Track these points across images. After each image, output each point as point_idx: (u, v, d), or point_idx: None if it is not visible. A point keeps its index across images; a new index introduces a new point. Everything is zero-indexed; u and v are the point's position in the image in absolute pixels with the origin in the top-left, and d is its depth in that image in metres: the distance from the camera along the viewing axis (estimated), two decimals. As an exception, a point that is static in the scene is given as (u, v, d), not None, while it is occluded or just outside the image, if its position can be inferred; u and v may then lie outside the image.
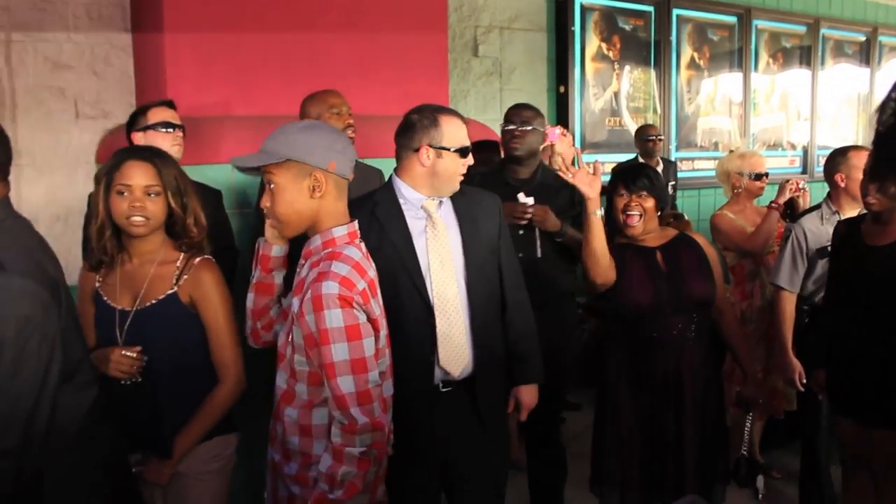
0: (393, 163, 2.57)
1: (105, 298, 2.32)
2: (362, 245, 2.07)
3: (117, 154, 2.31)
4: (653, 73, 6.45)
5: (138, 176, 2.24)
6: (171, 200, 2.27)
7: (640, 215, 2.88)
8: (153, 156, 2.30)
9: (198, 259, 2.31)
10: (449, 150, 2.46)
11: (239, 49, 3.69)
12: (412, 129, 2.48)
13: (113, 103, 3.99)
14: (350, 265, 1.94)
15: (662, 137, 5.97)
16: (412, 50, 4.21)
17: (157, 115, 3.07)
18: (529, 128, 3.38)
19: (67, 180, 3.91)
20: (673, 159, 6.40)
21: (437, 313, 2.46)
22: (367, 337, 1.93)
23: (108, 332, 2.30)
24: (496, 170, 3.48)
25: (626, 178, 2.91)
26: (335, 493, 1.89)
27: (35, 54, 3.86)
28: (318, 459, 1.95)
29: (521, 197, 3.23)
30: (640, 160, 5.48)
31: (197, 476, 2.32)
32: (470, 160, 2.55)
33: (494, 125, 4.30)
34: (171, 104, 3.14)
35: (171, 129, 3.05)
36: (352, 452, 1.88)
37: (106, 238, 2.27)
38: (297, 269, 2.07)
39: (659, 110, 6.49)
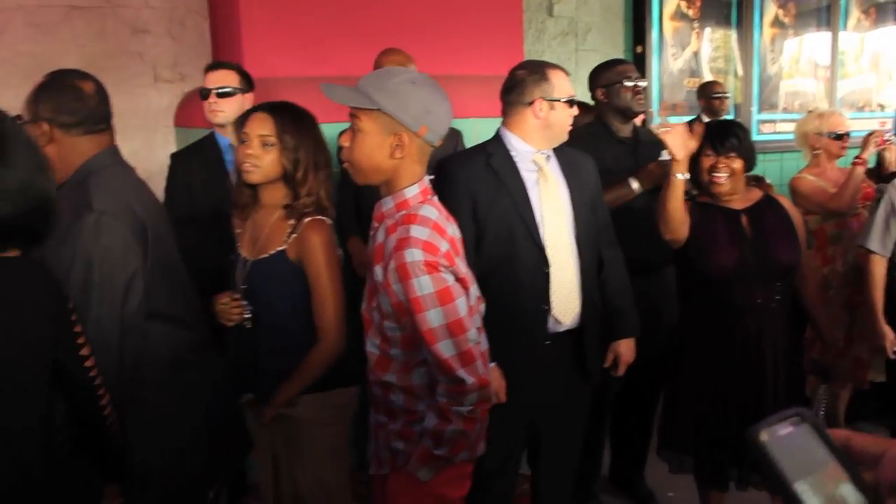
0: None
1: (238, 245, 2.42)
2: (435, 199, 2.01)
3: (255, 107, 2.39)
4: (734, 32, 6.23)
5: (255, 125, 2.30)
6: (282, 155, 2.29)
7: (728, 176, 2.77)
8: (281, 110, 2.33)
9: (308, 219, 2.30)
10: (560, 101, 2.53)
11: (313, 10, 3.68)
12: (523, 84, 2.54)
13: (190, 67, 4.03)
14: (429, 227, 1.88)
15: (728, 95, 5.69)
16: (486, 10, 4.14)
17: (206, 79, 3.15)
18: (645, 84, 3.33)
19: (146, 144, 3.98)
20: (740, 119, 6.17)
21: (551, 263, 2.52)
22: (459, 297, 1.88)
23: (233, 279, 2.41)
24: (599, 125, 3.35)
25: (714, 138, 2.78)
26: (441, 449, 1.90)
27: (115, 20, 3.91)
28: (422, 416, 1.96)
29: (665, 155, 3.15)
30: (705, 119, 5.29)
31: (309, 423, 2.37)
32: (576, 111, 2.60)
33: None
34: (221, 65, 3.19)
35: (211, 96, 3.10)
36: (459, 412, 1.87)
37: (240, 185, 2.36)
38: (371, 234, 2.04)
39: (740, 71, 6.27)
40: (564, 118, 2.56)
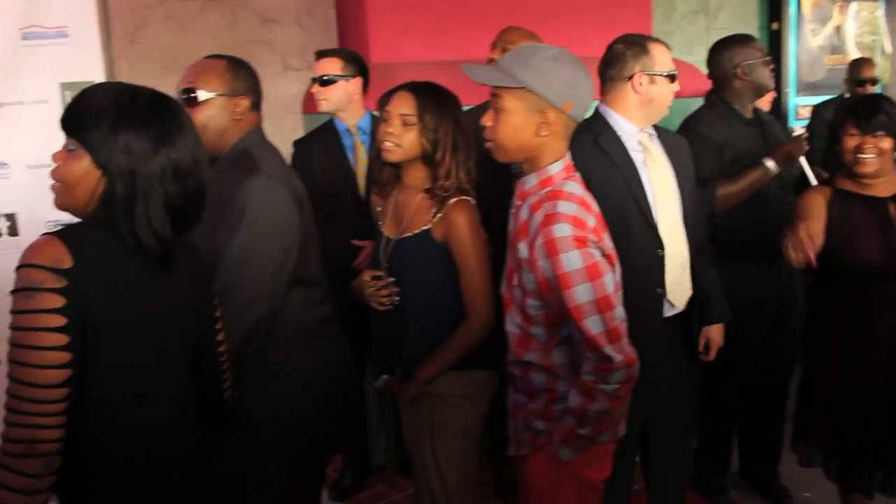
0: (593, 105, 2.47)
1: (379, 223, 2.45)
2: (578, 175, 1.99)
3: (400, 86, 2.40)
4: (882, 5, 5.84)
5: (397, 104, 2.32)
6: (422, 135, 2.30)
7: (876, 157, 2.57)
8: (424, 90, 2.35)
9: (454, 199, 2.31)
10: (661, 75, 2.47)
11: (438, -7, 3.68)
12: (622, 58, 2.48)
13: (317, 55, 4.10)
14: (576, 203, 1.86)
15: (879, 80, 5.31)
16: (613, -11, 4.03)
17: (315, 68, 3.19)
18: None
19: (274, 130, 4.04)
20: None
21: (665, 244, 2.47)
22: (607, 273, 1.85)
23: (376, 255, 2.44)
24: (722, 105, 3.18)
25: (860, 115, 2.58)
26: (584, 428, 1.87)
27: (246, 11, 4.02)
28: (564, 395, 1.93)
29: (797, 130, 3.01)
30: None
31: (446, 400, 2.38)
32: (677, 86, 2.52)
33: (701, 66, 4.04)
34: (327, 53, 3.21)
35: (315, 85, 3.15)
36: (605, 390, 1.83)
37: (382, 163, 2.39)
38: (512, 212, 2.02)
39: (888, 48, 5.88)
40: (665, 93, 2.49)
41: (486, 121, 1.95)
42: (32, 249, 1.37)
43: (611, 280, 1.87)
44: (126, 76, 3.84)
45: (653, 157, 2.50)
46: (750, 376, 3.23)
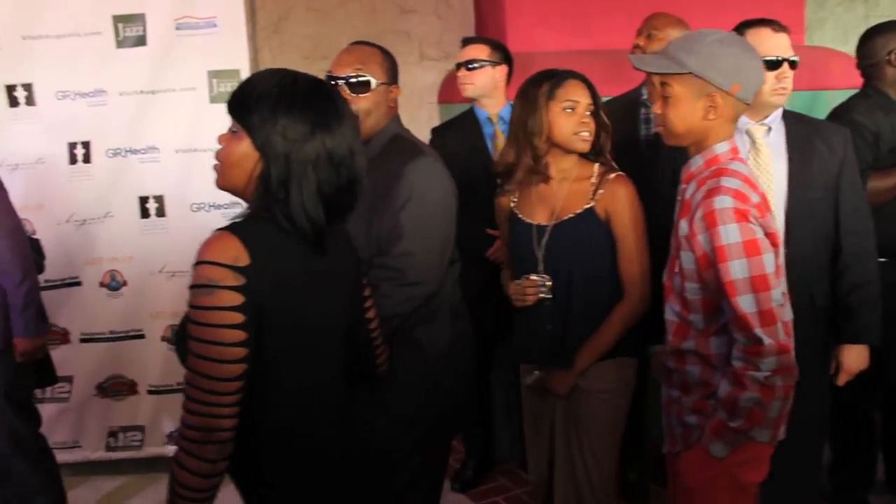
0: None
1: (521, 216, 2.43)
2: (744, 157, 1.97)
3: (551, 73, 2.38)
4: None
5: (583, 94, 2.34)
6: (600, 119, 2.36)
7: None
8: (585, 78, 2.38)
9: (613, 175, 2.35)
10: None
11: (577, -17, 3.60)
12: None
13: (454, 45, 4.07)
14: (740, 179, 1.84)
15: None
16: (764, -24, 3.83)
17: (459, 53, 3.21)
18: None
19: (410, 120, 4.08)
20: None
21: None
22: (767, 252, 1.80)
23: (526, 246, 2.41)
24: (878, 95, 3.00)
25: None
26: (736, 420, 1.80)
27: (385, 2, 4.07)
28: (718, 387, 1.87)
29: None
30: None
31: (595, 393, 2.37)
32: (786, 72, 2.38)
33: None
34: (472, 40, 3.20)
35: (461, 70, 3.15)
36: (755, 377, 1.77)
37: (546, 154, 2.36)
38: (679, 192, 2.01)
39: None
40: (769, 82, 2.37)
41: (656, 108, 1.95)
42: (210, 246, 1.41)
43: (770, 260, 1.80)
44: (268, 65, 3.94)
45: (758, 150, 2.42)
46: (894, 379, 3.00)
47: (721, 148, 1.90)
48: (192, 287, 1.41)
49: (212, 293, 1.39)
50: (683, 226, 1.89)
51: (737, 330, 1.79)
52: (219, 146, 1.54)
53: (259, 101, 1.47)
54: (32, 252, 2.96)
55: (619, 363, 2.38)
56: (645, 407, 2.91)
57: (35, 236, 3.10)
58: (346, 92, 2.15)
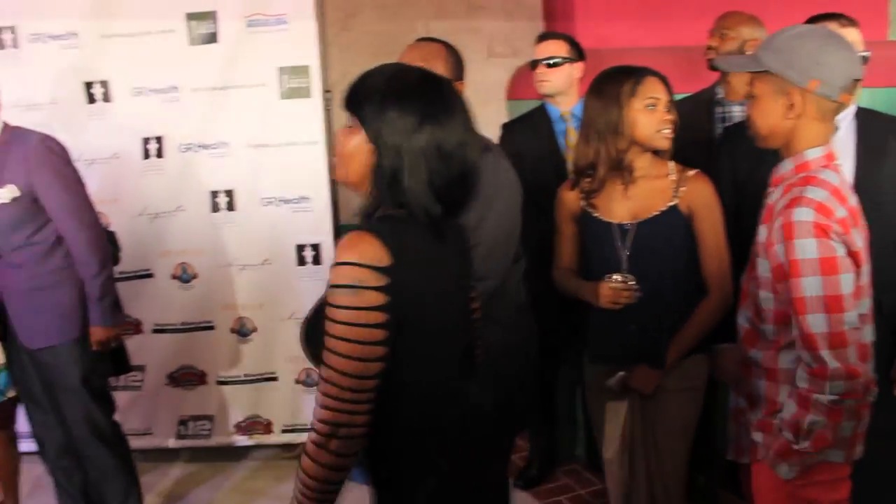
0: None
1: (596, 215, 2.40)
2: (841, 169, 1.87)
3: (628, 70, 2.36)
4: None
5: (663, 91, 2.32)
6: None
7: None
8: (661, 74, 2.37)
9: (692, 172, 2.35)
10: None
11: (649, -22, 3.55)
12: None
13: (523, 41, 4.06)
14: (828, 190, 1.75)
15: None
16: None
17: (536, 49, 3.18)
18: None
19: (479, 117, 4.07)
20: None
21: None
22: (845, 272, 1.71)
23: (607, 246, 2.39)
24: None
25: None
26: (801, 443, 1.74)
27: (453, -3, 4.07)
28: (783, 406, 1.81)
29: None
30: None
31: (677, 392, 2.37)
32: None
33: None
34: (550, 36, 3.16)
35: (539, 66, 3.11)
36: (820, 400, 1.70)
37: (632, 152, 2.33)
38: (765, 201, 1.95)
39: None
40: None
41: (747, 109, 1.92)
42: (351, 247, 1.44)
43: (849, 280, 1.72)
44: (337, 62, 3.99)
45: None
46: None
47: (813, 154, 1.82)
48: (334, 287, 1.44)
49: (356, 293, 1.42)
50: (762, 232, 1.84)
51: (803, 349, 1.72)
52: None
53: (370, 95, 1.50)
54: (109, 244, 3.04)
55: (698, 360, 2.37)
56: (715, 409, 2.86)
57: (110, 229, 3.18)
58: None
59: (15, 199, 2.83)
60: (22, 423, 3.24)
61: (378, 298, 1.42)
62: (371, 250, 1.43)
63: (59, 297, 2.91)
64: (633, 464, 2.46)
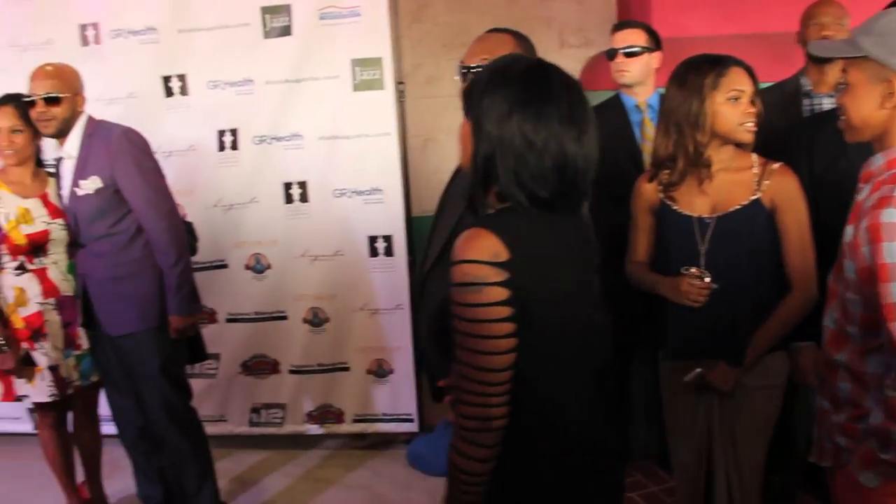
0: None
1: (675, 208, 2.36)
2: None
3: (711, 60, 2.29)
4: None
5: (748, 82, 2.26)
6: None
7: None
8: (747, 64, 2.30)
9: (776, 165, 2.28)
10: None
11: (727, -37, 3.46)
12: None
13: (595, 31, 4.00)
14: None
15: None
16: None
17: (614, 39, 3.09)
18: None
19: (550, 108, 4.06)
20: None
21: None
22: None
23: (686, 240, 2.34)
24: None
25: None
26: (888, 453, 1.65)
27: (526, -14, 4.03)
28: (869, 411, 1.73)
29: None
30: None
31: (756, 389, 2.33)
32: None
33: None
34: (628, 24, 3.10)
35: (618, 56, 3.04)
36: None
37: (712, 145, 2.28)
38: (855, 193, 1.86)
39: None
40: None
41: (839, 99, 1.82)
42: (470, 245, 1.45)
43: None
44: (408, 54, 3.99)
45: None
46: None
47: None
48: (457, 285, 1.46)
49: (479, 290, 1.43)
50: (849, 232, 1.74)
51: (893, 357, 1.63)
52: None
53: (475, 83, 1.53)
54: (186, 235, 3.10)
55: (778, 358, 2.32)
56: (794, 408, 2.79)
57: (188, 220, 3.24)
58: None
59: (98, 190, 2.92)
60: (103, 406, 3.35)
61: (501, 293, 1.43)
62: (488, 246, 1.44)
63: (139, 286, 2.98)
64: (710, 462, 2.41)
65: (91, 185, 2.92)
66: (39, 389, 3.08)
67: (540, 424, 1.55)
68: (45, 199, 3.08)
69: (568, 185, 1.52)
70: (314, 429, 4.03)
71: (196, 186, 3.81)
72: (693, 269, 2.29)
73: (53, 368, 3.07)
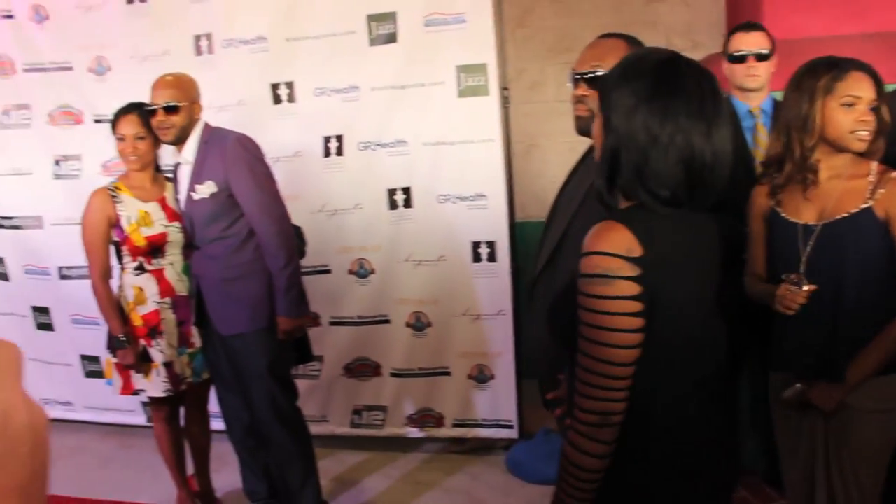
0: None
1: (783, 214, 2.30)
2: None
3: (831, 63, 2.22)
4: None
5: (867, 88, 2.16)
6: (880, 116, 2.19)
7: None
8: (871, 69, 2.21)
9: (894, 173, 2.17)
10: None
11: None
12: None
13: (703, 34, 3.94)
14: None
15: None
16: None
17: (732, 42, 3.00)
18: None
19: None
20: None
21: None
22: None
23: (789, 246, 2.27)
24: None
25: None
26: None
27: (631, -10, 3.98)
28: None
29: None
30: None
31: (866, 413, 2.20)
32: None
33: None
34: (755, 27, 2.99)
35: (740, 61, 2.92)
36: None
37: (820, 151, 2.22)
38: None
39: None
40: None
41: None
42: (602, 237, 1.45)
43: None
44: (512, 59, 3.99)
45: None
46: None
47: None
48: (586, 276, 1.45)
49: (609, 283, 1.42)
50: None
51: None
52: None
53: (607, 77, 1.53)
54: (296, 238, 3.17)
55: (893, 378, 2.18)
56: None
57: (296, 224, 3.32)
58: (583, 89, 2.12)
59: (212, 195, 3.01)
60: (213, 402, 3.45)
61: (632, 288, 1.41)
62: (621, 239, 1.42)
63: (250, 287, 3.07)
64: (815, 486, 2.31)
65: (206, 189, 3.01)
66: (154, 384, 3.20)
67: (654, 425, 1.52)
68: (163, 203, 3.21)
69: (695, 181, 1.48)
70: (414, 432, 4.06)
71: (301, 192, 3.88)
72: (792, 276, 2.20)
73: (168, 365, 3.19)
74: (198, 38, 3.95)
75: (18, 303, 4.44)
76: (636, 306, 1.42)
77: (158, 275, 3.19)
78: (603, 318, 1.42)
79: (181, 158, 3.12)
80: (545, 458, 3.52)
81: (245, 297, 3.07)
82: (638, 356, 1.45)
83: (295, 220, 3.75)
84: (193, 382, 3.30)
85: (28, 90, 4.19)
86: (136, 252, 3.15)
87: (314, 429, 3.85)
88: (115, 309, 3.16)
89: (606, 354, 1.43)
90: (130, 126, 3.14)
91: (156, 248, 3.17)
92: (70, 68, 4.11)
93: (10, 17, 4.15)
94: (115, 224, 3.15)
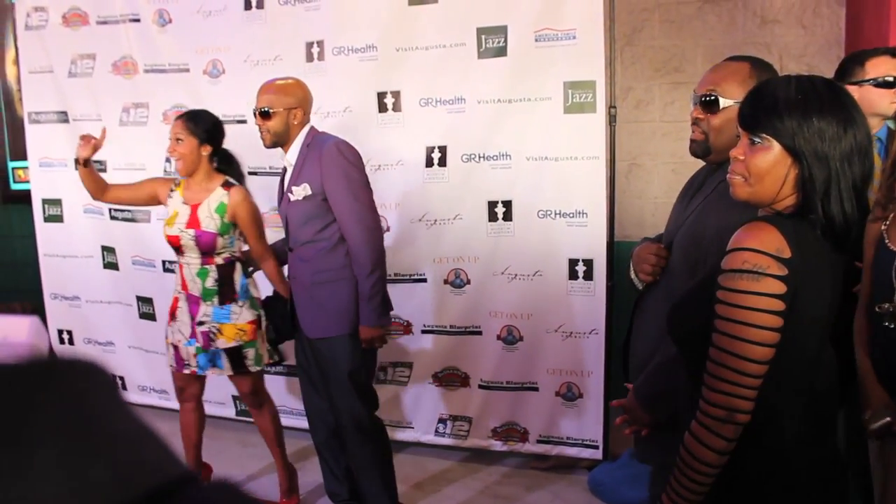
0: None
1: (886, 242, 2.24)
2: None
3: None
4: None
5: None
6: None
7: None
8: None
9: None
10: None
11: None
12: None
13: (818, 57, 3.82)
14: None
15: None
16: None
17: (876, 66, 2.81)
18: None
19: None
20: None
21: None
22: None
23: (885, 274, 2.21)
24: None
25: None
26: None
27: (746, 11, 3.89)
28: None
29: None
30: None
31: None
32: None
33: None
34: (888, 52, 2.85)
35: (889, 87, 2.76)
36: None
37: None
38: None
39: None
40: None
41: None
42: (753, 235, 1.49)
43: None
44: (620, 77, 3.95)
45: None
46: None
47: None
48: (732, 271, 1.48)
49: (757, 279, 1.45)
50: None
51: None
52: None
53: (789, 109, 1.52)
54: (384, 248, 3.18)
55: None
56: None
57: (387, 233, 3.35)
58: (698, 111, 2.09)
59: (307, 197, 3.08)
60: (284, 397, 3.49)
61: (778, 287, 1.44)
62: (773, 239, 1.46)
63: (338, 293, 3.11)
64: None
65: (301, 191, 3.08)
66: (167, 358, 3.53)
67: (768, 435, 1.53)
68: (195, 209, 3.31)
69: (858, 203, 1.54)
70: (497, 445, 4.05)
71: (402, 200, 3.93)
72: (886, 305, 2.13)
73: (175, 347, 3.41)
74: (310, 44, 4.03)
75: (126, 292, 4.62)
76: (780, 305, 1.44)
77: (181, 268, 3.40)
78: (746, 313, 1.45)
79: (286, 161, 3.19)
80: (628, 480, 3.46)
81: (332, 302, 3.12)
82: (772, 356, 1.47)
83: (393, 229, 3.81)
84: (197, 373, 3.44)
85: (147, 90, 4.37)
86: (169, 243, 3.40)
87: (399, 434, 3.89)
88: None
89: (743, 350, 1.46)
90: (174, 129, 3.31)
91: (175, 247, 3.36)
92: (187, 70, 4.27)
93: (136, 20, 4.34)
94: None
